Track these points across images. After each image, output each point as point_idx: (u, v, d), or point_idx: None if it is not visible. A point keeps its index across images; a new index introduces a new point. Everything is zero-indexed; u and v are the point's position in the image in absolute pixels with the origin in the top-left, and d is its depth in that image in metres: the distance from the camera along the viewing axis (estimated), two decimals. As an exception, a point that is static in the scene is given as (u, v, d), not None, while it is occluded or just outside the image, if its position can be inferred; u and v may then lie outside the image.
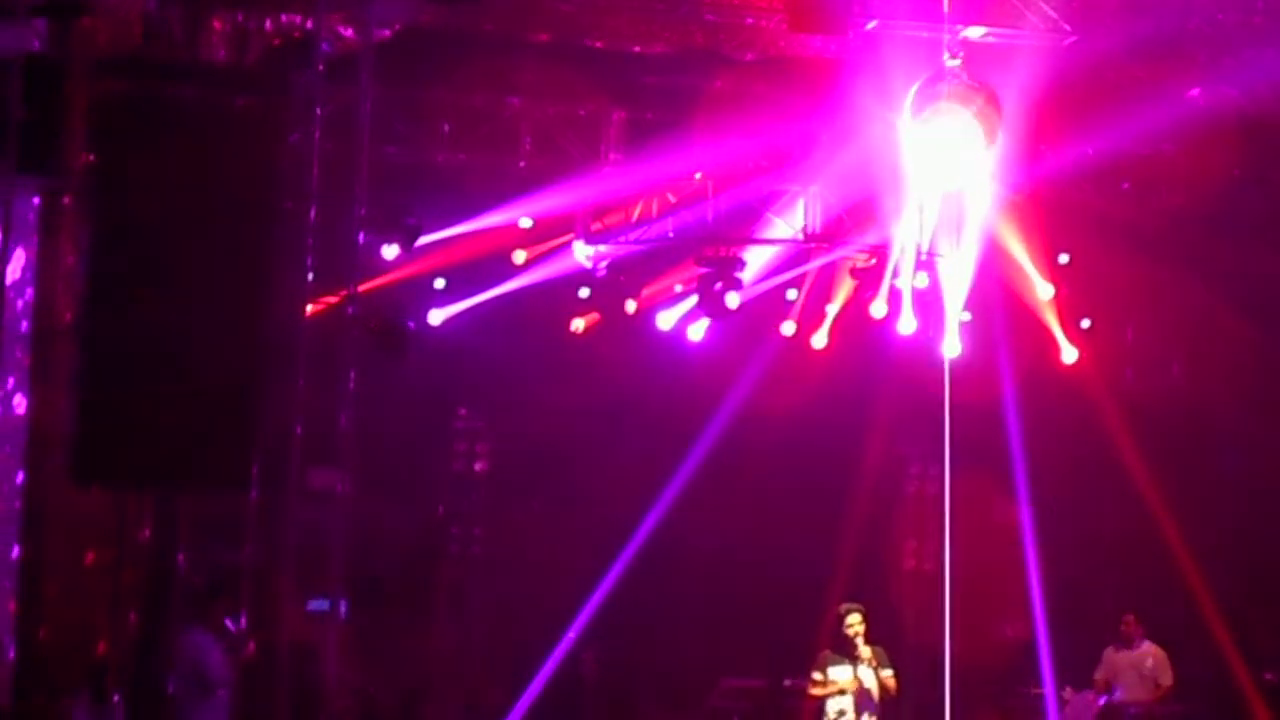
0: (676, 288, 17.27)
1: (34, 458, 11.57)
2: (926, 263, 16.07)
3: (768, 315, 17.59)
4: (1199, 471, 18.18)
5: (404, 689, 17.95)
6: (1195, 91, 14.68)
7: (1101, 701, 16.11)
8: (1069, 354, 17.44)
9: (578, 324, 17.56)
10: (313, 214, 11.83)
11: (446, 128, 15.33)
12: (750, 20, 13.96)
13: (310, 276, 11.98)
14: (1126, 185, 16.49)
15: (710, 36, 14.23)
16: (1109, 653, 16.21)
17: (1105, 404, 17.93)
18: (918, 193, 15.21)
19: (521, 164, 15.59)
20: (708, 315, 16.62)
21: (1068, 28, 13.72)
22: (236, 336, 10.85)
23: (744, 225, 16.50)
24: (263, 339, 11.01)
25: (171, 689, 11.98)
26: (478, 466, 19.17)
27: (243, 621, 11.94)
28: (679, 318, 17.36)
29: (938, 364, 16.01)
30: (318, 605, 12.62)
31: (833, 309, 17.61)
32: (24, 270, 11.57)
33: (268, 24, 12.96)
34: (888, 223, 15.89)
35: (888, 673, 14.29)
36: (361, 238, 12.20)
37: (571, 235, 16.58)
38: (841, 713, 14.23)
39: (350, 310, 12.17)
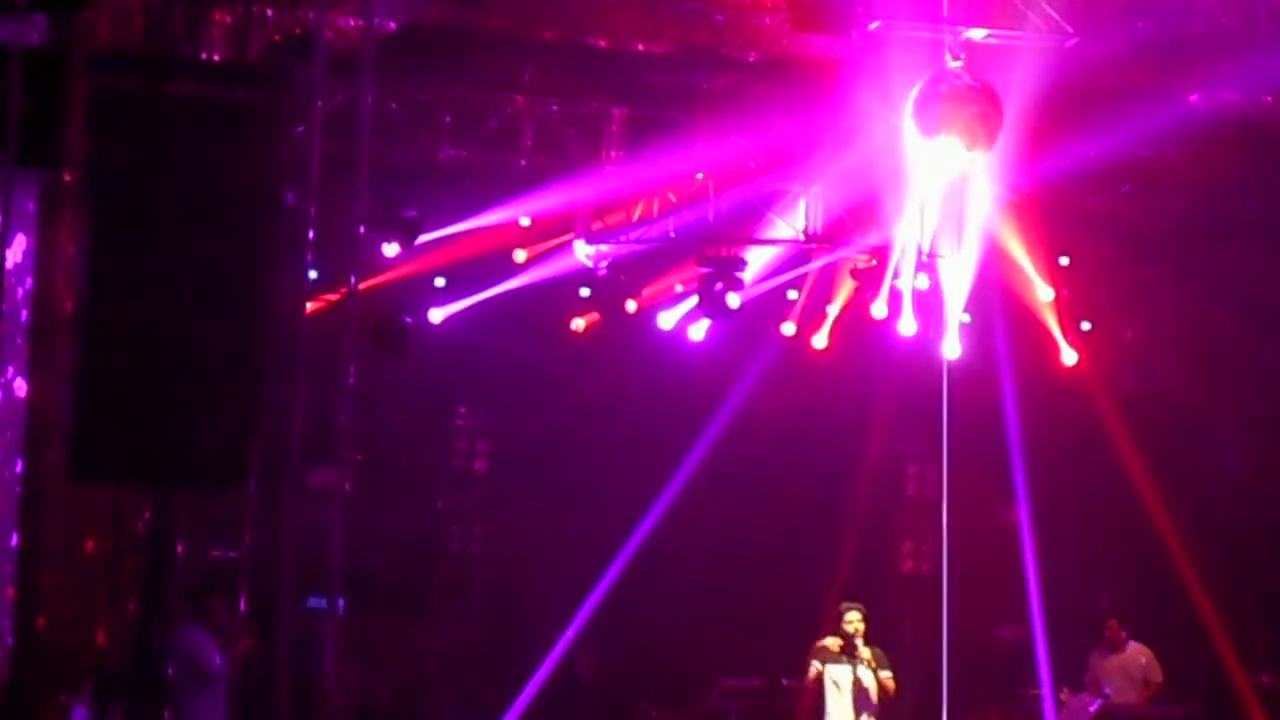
0: (677, 287, 17.28)
1: (33, 446, 11.57)
2: (927, 264, 16.07)
3: (768, 315, 17.60)
4: (1197, 474, 18.19)
5: (401, 687, 17.95)
6: (1196, 97, 14.67)
7: (1095, 706, 16.10)
8: (1069, 356, 17.44)
9: (578, 323, 17.56)
10: (313, 210, 11.83)
11: (448, 124, 15.32)
12: (753, 20, 13.96)
13: (311, 273, 11.99)
14: (1127, 188, 16.49)
15: (714, 36, 14.23)
16: (1095, 658, 16.20)
17: (1104, 406, 17.93)
18: (919, 194, 15.20)
19: (523, 162, 15.58)
20: (708, 315, 16.62)
21: (1070, 29, 13.70)
22: (236, 332, 10.84)
23: (745, 225, 16.50)
24: (262, 335, 11.00)
25: (169, 677, 12.00)
26: (477, 465, 19.17)
27: (240, 616, 11.93)
28: (680, 317, 17.37)
29: (938, 365, 16.02)
30: (316, 603, 12.60)
31: (833, 310, 17.62)
32: (24, 256, 11.57)
33: (269, 15, 12.95)
34: (889, 224, 15.88)
35: (887, 674, 14.27)
36: (362, 230, 12.20)
37: (572, 234, 16.58)
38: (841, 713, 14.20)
39: (350, 307, 12.18)
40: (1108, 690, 15.99)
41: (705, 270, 16.31)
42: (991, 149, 13.57)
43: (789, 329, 17.73)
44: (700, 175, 16.00)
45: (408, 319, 13.29)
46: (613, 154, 15.68)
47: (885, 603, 15.26)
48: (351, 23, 13.10)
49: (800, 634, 16.97)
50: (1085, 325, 17.68)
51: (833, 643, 14.12)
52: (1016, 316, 17.31)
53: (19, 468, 11.55)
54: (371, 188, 12.39)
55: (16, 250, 11.31)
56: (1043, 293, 16.91)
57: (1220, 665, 17.51)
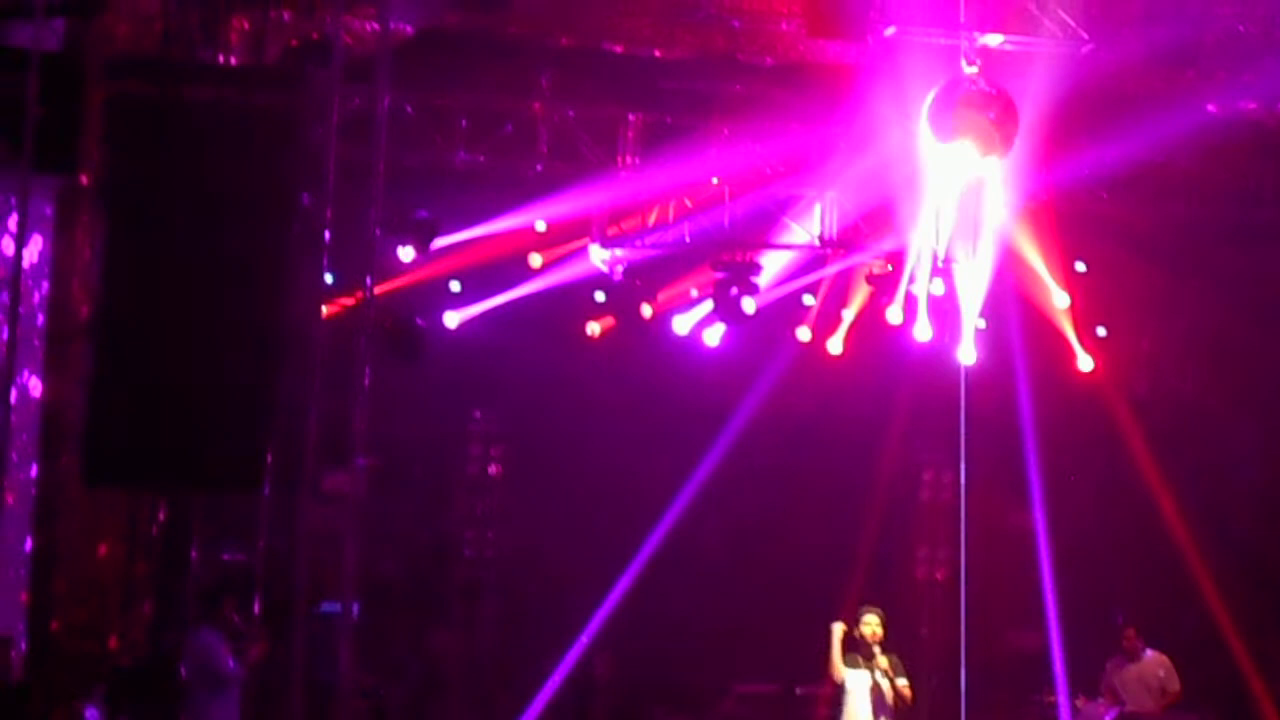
0: (692, 292, 17.29)
1: (48, 450, 11.61)
2: (943, 269, 16.06)
3: (784, 321, 17.59)
4: (1214, 480, 18.15)
5: (416, 691, 17.96)
6: (1212, 104, 14.64)
7: (1111, 715, 16.07)
8: (1085, 362, 17.42)
9: (593, 328, 17.57)
10: (329, 214, 11.86)
11: (464, 129, 15.35)
12: (769, 26, 13.97)
13: (327, 277, 12.01)
14: (1143, 194, 16.45)
15: (730, 41, 14.23)
16: (1113, 666, 16.16)
17: (1120, 412, 17.91)
18: (934, 199, 15.20)
19: (539, 167, 15.60)
20: (724, 320, 16.62)
21: (1085, 36, 13.69)
22: (251, 337, 10.86)
23: (761, 230, 16.52)
24: (278, 339, 11.02)
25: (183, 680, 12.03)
26: (492, 470, 19.18)
27: (253, 620, 11.95)
28: (695, 322, 17.38)
29: (953, 371, 16.00)
30: (330, 607, 12.62)
31: (849, 315, 17.62)
32: (41, 259, 11.61)
33: (286, 20, 12.98)
34: (904, 229, 15.88)
35: (903, 682, 14.20)
36: (378, 235, 12.22)
37: (588, 239, 16.60)
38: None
39: (366, 312, 12.20)
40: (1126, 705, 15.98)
41: (721, 275, 16.32)
42: (1007, 155, 13.55)
43: (804, 334, 17.73)
44: (716, 180, 16.00)
45: (423, 323, 13.31)
46: (628, 159, 15.69)
47: (901, 608, 15.22)
48: (368, 27, 13.12)
49: (816, 640, 17.00)
50: (1101, 331, 17.66)
51: (850, 656, 14.11)
52: (1032, 322, 17.30)
53: (34, 471, 11.59)
54: (387, 192, 12.41)
55: (33, 251, 11.37)
56: (1058, 298, 16.89)
57: (1238, 672, 17.46)
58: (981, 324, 16.64)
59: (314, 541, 11.69)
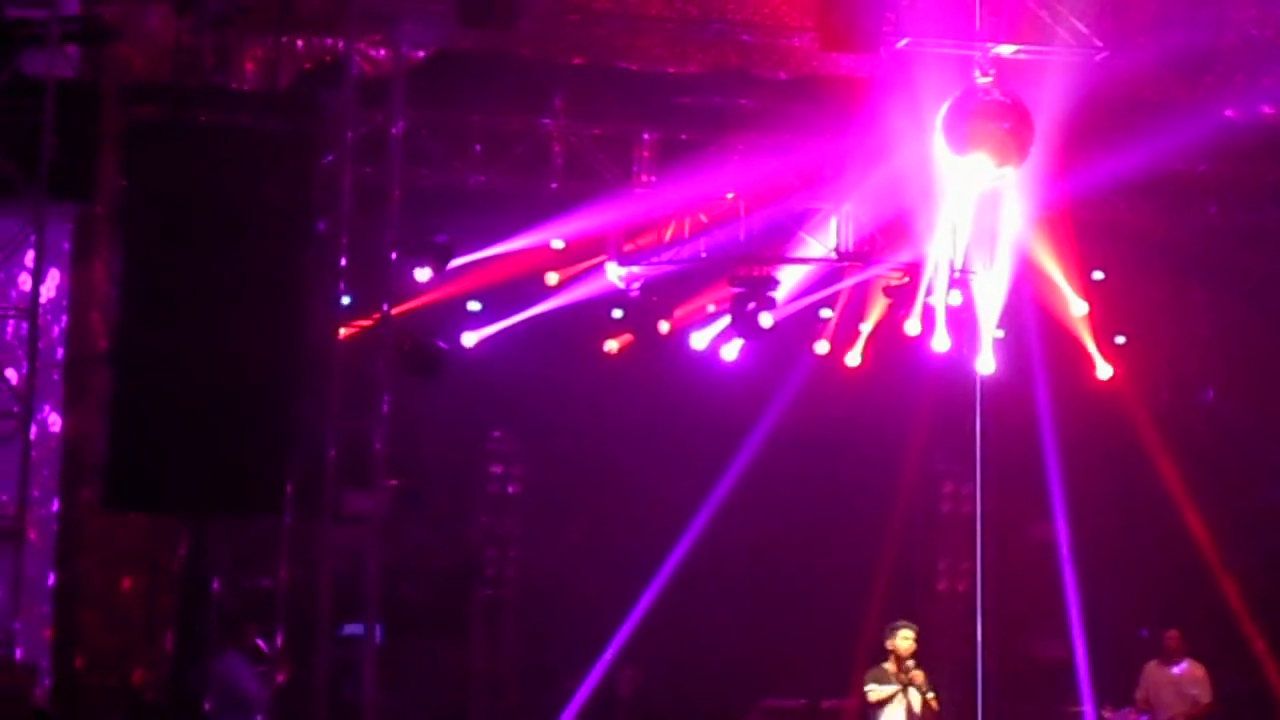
0: (710, 308, 17.26)
1: (69, 484, 11.60)
2: (960, 280, 16.02)
3: (801, 334, 17.56)
4: (1236, 487, 18.06)
5: (440, 711, 17.94)
6: (1230, 109, 14.60)
7: (1142, 720, 16.02)
8: (1104, 371, 17.36)
9: (611, 345, 17.57)
10: (345, 237, 11.87)
11: (478, 150, 15.36)
12: (782, 40, 13.97)
13: (344, 300, 12.03)
14: (1161, 200, 16.41)
15: (743, 57, 14.24)
16: (1150, 668, 16.09)
17: (1141, 420, 17.83)
18: (950, 210, 15.17)
19: (554, 185, 15.61)
20: (741, 335, 16.59)
21: (1099, 43, 13.67)
22: (270, 360, 10.87)
23: (777, 244, 16.49)
24: (296, 362, 11.03)
25: (207, 711, 11.99)
26: (512, 489, 19.16)
27: (278, 645, 11.92)
28: (712, 338, 17.35)
29: (972, 382, 15.95)
30: (352, 629, 12.62)
31: (866, 327, 17.58)
32: (59, 293, 11.61)
33: (299, 47, 13.00)
34: (921, 240, 15.85)
35: (931, 695, 14.15)
36: (394, 259, 12.23)
37: (604, 256, 16.59)
38: None
39: (384, 333, 12.21)
40: (1160, 714, 15.90)
41: (738, 290, 16.29)
42: (1022, 164, 13.53)
43: (822, 347, 17.70)
44: (731, 195, 15.99)
45: (441, 343, 13.31)
46: (644, 176, 15.69)
47: (923, 621, 15.14)
48: (382, 52, 13.15)
49: (839, 654, 16.95)
50: (1120, 339, 17.60)
51: (890, 663, 14.01)
52: (1050, 331, 17.25)
53: (55, 506, 11.58)
54: (404, 213, 12.44)
55: (50, 286, 11.37)
56: (1076, 307, 16.84)
57: (1265, 683, 17.37)
58: (1000, 334, 16.59)
59: (336, 563, 11.71)
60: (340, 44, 12.76)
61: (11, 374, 10.63)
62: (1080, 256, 16.65)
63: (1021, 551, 18.37)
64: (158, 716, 11.97)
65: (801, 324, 17.42)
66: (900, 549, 18.63)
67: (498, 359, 17.05)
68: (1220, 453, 18.25)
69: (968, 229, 15.45)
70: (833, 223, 16.30)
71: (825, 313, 17.59)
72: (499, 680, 18.67)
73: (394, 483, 13.00)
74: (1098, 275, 17.09)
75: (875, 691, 13.93)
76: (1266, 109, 14.64)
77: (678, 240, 16.49)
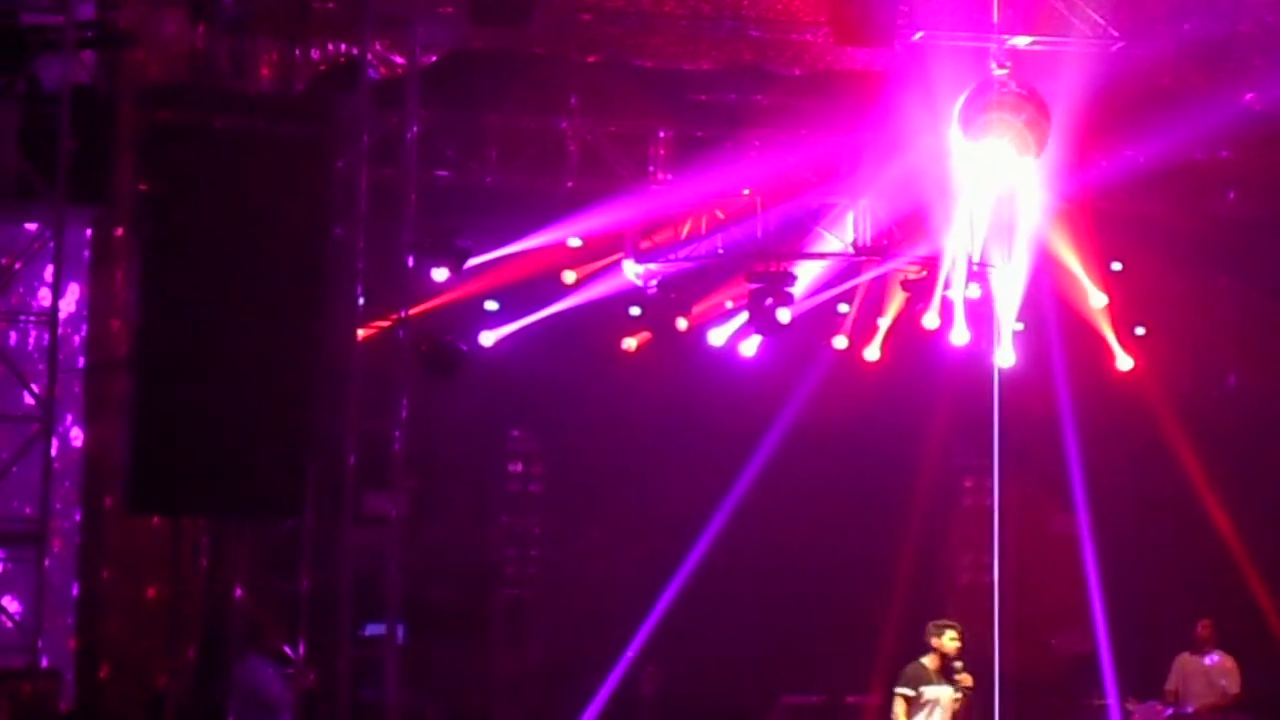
0: (727, 304, 17.23)
1: (91, 493, 11.61)
2: (978, 273, 15.98)
3: (819, 330, 17.53)
4: (1259, 478, 17.97)
5: (462, 711, 17.94)
6: (1250, 96, 14.53)
7: (1168, 713, 15.95)
8: (1124, 362, 17.31)
9: (629, 343, 17.55)
10: (362, 239, 11.87)
11: (494, 150, 15.37)
12: (796, 35, 13.94)
13: (361, 301, 12.03)
14: (1180, 189, 16.35)
15: (757, 53, 14.22)
16: (1182, 659, 16.03)
17: (1162, 411, 17.77)
18: (968, 203, 15.13)
19: (570, 184, 15.61)
20: (759, 331, 16.56)
21: (1115, 34, 13.63)
22: (289, 362, 10.89)
23: (794, 240, 16.45)
24: (315, 364, 11.04)
25: (231, 718, 12.00)
26: (532, 488, 19.16)
27: (301, 649, 11.92)
28: (731, 334, 17.32)
29: (991, 375, 15.91)
30: (374, 630, 12.62)
31: (885, 322, 17.54)
32: (79, 305, 11.63)
33: (314, 51, 13.01)
34: (938, 234, 15.81)
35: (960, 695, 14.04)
36: (411, 261, 12.23)
37: (621, 254, 16.58)
38: None
39: (402, 334, 12.21)
40: (1188, 707, 15.85)
41: (755, 286, 16.26)
42: (1040, 156, 13.49)
43: (841, 342, 17.66)
44: (748, 191, 15.97)
45: (460, 343, 13.30)
46: (659, 173, 15.68)
47: (944, 615, 15.10)
48: (394, 58, 13.16)
49: (861, 649, 16.93)
50: (1140, 330, 17.55)
51: (930, 660, 13.87)
52: (1070, 323, 17.20)
53: (77, 517, 11.59)
54: (420, 214, 12.43)
55: (70, 301, 11.39)
56: (1096, 299, 16.79)
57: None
58: (1019, 327, 16.56)
59: (357, 564, 11.71)
60: (355, 48, 12.77)
61: (33, 386, 10.65)
62: (1099, 247, 16.60)
63: (1043, 544, 18.31)
64: (181, 720, 11.99)
65: (819, 319, 17.38)
66: (921, 543, 18.58)
67: (516, 358, 17.05)
68: (1243, 443, 18.18)
69: (985, 222, 15.41)
70: (849, 217, 16.25)
71: (843, 308, 17.55)
72: (521, 679, 18.67)
73: (413, 483, 13.00)
74: (1117, 266, 17.04)
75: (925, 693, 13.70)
76: (1282, 94, 14.59)
77: (694, 237, 16.47)
